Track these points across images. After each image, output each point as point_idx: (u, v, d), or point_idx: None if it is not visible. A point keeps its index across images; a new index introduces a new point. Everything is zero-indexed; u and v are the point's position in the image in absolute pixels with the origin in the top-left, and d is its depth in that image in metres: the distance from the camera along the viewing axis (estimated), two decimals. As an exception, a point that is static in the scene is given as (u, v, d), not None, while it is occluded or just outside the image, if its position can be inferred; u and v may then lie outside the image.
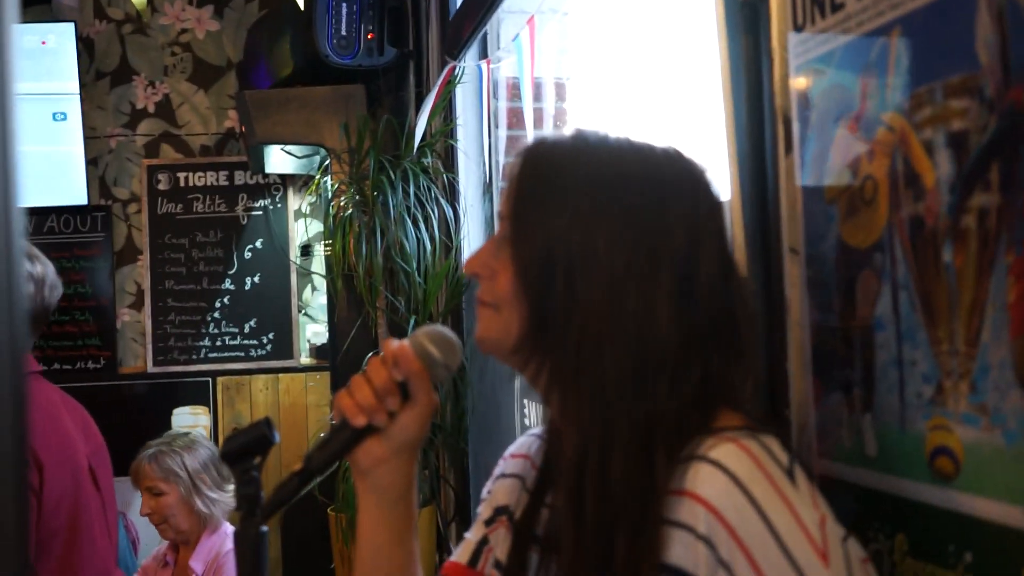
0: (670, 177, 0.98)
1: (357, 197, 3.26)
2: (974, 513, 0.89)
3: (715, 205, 0.99)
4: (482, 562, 1.15)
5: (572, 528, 0.94)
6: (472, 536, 1.18)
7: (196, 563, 2.80)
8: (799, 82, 1.15)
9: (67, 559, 1.92)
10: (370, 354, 3.10)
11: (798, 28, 1.14)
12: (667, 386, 0.92)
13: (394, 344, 1.02)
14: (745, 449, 0.89)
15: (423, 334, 1.04)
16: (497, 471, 1.19)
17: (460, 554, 1.17)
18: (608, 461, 0.92)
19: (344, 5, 3.39)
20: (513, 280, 0.98)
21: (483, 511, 1.18)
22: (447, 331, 1.05)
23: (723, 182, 1.31)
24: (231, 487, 2.90)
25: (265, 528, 1.15)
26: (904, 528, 0.99)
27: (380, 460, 1.03)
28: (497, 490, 1.17)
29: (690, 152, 1.01)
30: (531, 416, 2.43)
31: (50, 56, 4.43)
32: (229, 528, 2.89)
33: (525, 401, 2.49)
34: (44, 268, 2.05)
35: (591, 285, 0.93)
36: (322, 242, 4.45)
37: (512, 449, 1.19)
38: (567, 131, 1.03)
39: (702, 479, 0.89)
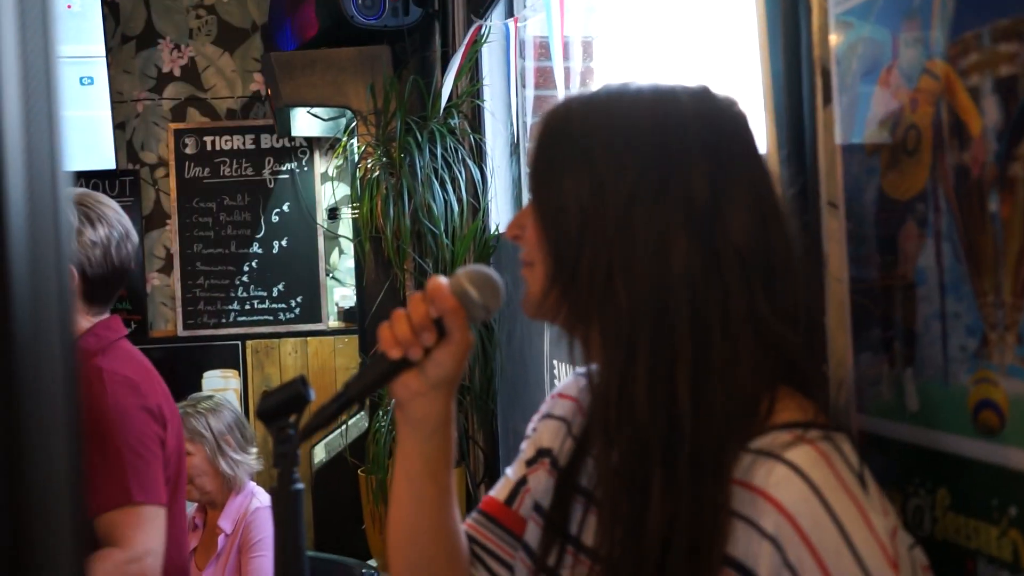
0: (690, 111, 0.96)
1: (384, 159, 3.26)
2: (1020, 467, 0.87)
3: (744, 136, 0.99)
4: (518, 502, 1.15)
5: (605, 476, 0.95)
6: (512, 475, 1.18)
7: (225, 523, 2.84)
8: (839, 32, 1.13)
9: (171, 510, 2.03)
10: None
11: (838, -25, 1.11)
12: (686, 316, 0.92)
13: (436, 281, 1.03)
14: (823, 455, 0.88)
15: (464, 273, 1.04)
16: (544, 409, 1.19)
17: (499, 491, 1.18)
18: (632, 396, 0.92)
19: (369, -36, 3.37)
20: (536, 232, 1.00)
21: (526, 450, 1.18)
22: (490, 271, 1.05)
23: (759, 136, 1.29)
24: (254, 449, 2.93)
25: (300, 486, 1.16)
26: (946, 483, 0.98)
27: (416, 393, 1.04)
28: (542, 430, 1.17)
29: (722, 90, 1.01)
30: (560, 376, 2.43)
31: (76, 20, 4.43)
32: (255, 487, 2.92)
33: (554, 362, 2.49)
34: (108, 230, 2.01)
35: (600, 217, 0.94)
36: (349, 205, 4.45)
37: (561, 388, 1.19)
38: (583, 88, 1.05)
39: (776, 481, 0.87)
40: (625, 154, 0.95)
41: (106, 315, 2.05)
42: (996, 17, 0.87)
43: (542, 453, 1.15)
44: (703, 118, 0.97)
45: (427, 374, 1.03)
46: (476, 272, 1.04)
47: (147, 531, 1.88)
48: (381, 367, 1.04)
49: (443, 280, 1.03)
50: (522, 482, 1.16)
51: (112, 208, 2.04)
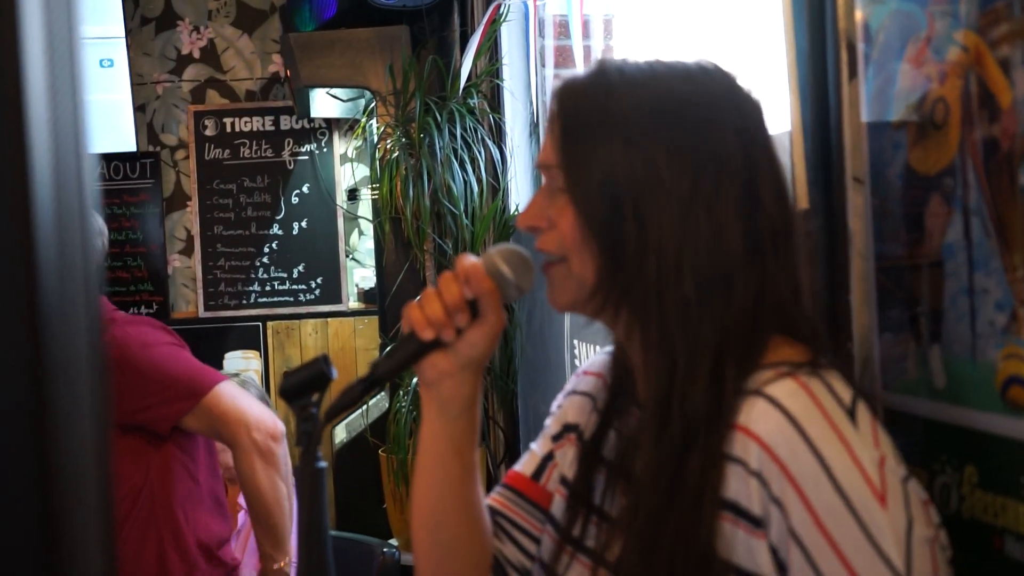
0: (717, 89, 0.97)
1: (403, 140, 3.25)
2: (1049, 443, 0.86)
3: (760, 110, 0.98)
4: (546, 476, 1.15)
5: (652, 452, 0.94)
6: (538, 449, 1.18)
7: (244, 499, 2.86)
8: (864, 5, 1.11)
9: (210, 462, 2.31)
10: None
11: (864, -53, 1.10)
12: (739, 300, 0.92)
13: (468, 260, 1.01)
14: (803, 386, 0.88)
15: (496, 252, 1.02)
16: (569, 387, 1.19)
17: (525, 465, 1.17)
18: (693, 382, 0.92)
19: (387, -56, 3.35)
20: (577, 223, 0.96)
21: (552, 426, 1.18)
22: (522, 250, 1.03)
23: (783, 111, 1.28)
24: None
25: (323, 464, 1.16)
26: (974, 460, 0.97)
27: (445, 374, 1.02)
28: (568, 406, 1.16)
29: (720, 62, 1.00)
30: (581, 356, 2.42)
31: (95, 2, 4.44)
32: None
33: (575, 342, 2.49)
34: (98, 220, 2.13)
35: (661, 211, 0.92)
36: (368, 186, 4.45)
37: (586, 366, 1.18)
38: (593, 64, 1.01)
39: (756, 415, 0.88)
40: (672, 132, 0.93)
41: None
42: (1028, -13, 0.85)
43: (568, 428, 1.15)
44: (733, 97, 0.97)
45: (459, 355, 1.01)
46: (510, 251, 1.02)
47: (241, 402, 2.14)
48: (411, 347, 1.02)
49: (474, 259, 1.01)
50: (549, 457, 1.15)
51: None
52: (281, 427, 2.19)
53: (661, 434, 0.93)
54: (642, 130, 0.93)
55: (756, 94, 0.99)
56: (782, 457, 0.85)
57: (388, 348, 1.05)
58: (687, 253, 0.92)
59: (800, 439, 0.85)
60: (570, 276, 0.98)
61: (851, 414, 0.87)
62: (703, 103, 0.95)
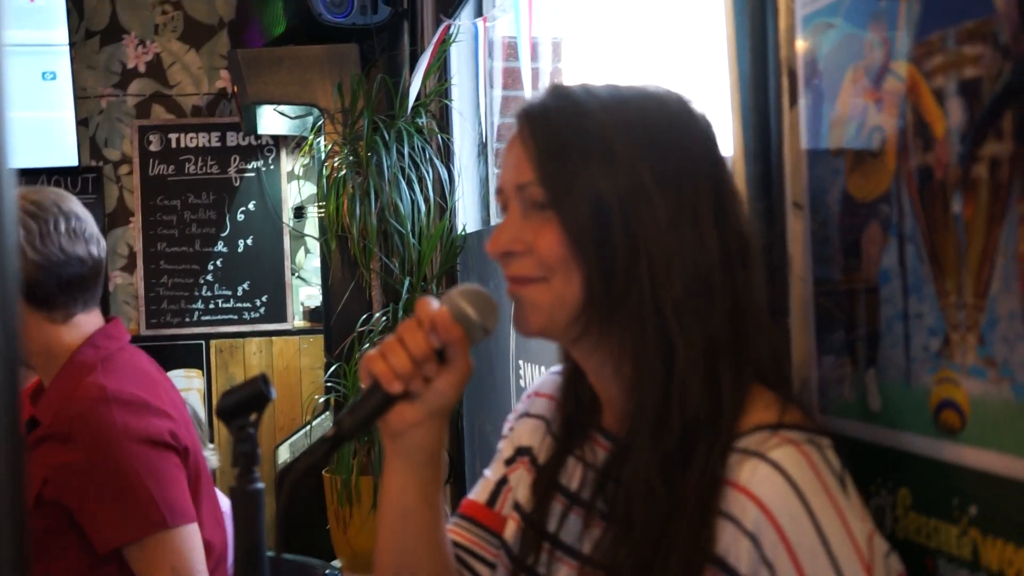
0: (679, 112, 0.98)
1: (351, 158, 3.24)
2: (980, 467, 0.88)
3: (714, 133, 1.00)
4: (500, 502, 1.13)
5: (643, 483, 0.92)
6: (491, 475, 1.16)
7: None
8: (805, 33, 1.13)
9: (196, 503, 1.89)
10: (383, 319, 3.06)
11: (805, -23, 1.11)
12: (719, 306, 0.94)
13: (431, 306, 0.96)
14: (805, 456, 0.88)
15: (459, 295, 0.98)
16: (521, 408, 1.17)
17: (479, 493, 1.16)
18: (692, 384, 0.92)
19: (337, -38, 3.35)
20: (562, 241, 0.94)
21: (504, 449, 1.16)
22: (483, 290, 1.00)
23: (726, 136, 1.29)
24: (212, 446, 2.90)
25: (261, 485, 1.14)
26: (907, 482, 0.98)
27: (412, 424, 0.98)
28: (520, 429, 1.15)
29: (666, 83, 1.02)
30: (526, 377, 2.42)
31: (39, 13, 4.37)
32: None
33: (520, 362, 2.48)
34: (28, 220, 1.80)
35: (649, 224, 0.92)
36: (315, 204, 4.42)
37: (536, 387, 1.17)
38: (553, 88, 1.01)
39: (759, 478, 0.88)
40: (654, 150, 0.95)
41: (81, 316, 1.85)
42: (961, 19, 0.87)
43: (521, 451, 1.14)
44: (693, 118, 0.99)
45: (426, 404, 0.97)
46: (473, 292, 0.98)
47: (190, 554, 1.76)
48: (376, 401, 0.97)
49: (436, 304, 0.97)
50: (503, 481, 1.14)
51: (48, 196, 1.84)
52: None
53: (653, 457, 0.92)
54: (624, 148, 0.94)
55: (709, 117, 1.01)
56: (783, 525, 0.86)
57: (351, 402, 1.00)
58: (675, 262, 0.93)
59: (803, 510, 0.86)
60: (549, 294, 0.95)
61: (843, 483, 0.88)
62: (672, 123, 0.97)
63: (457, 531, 1.13)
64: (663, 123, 0.97)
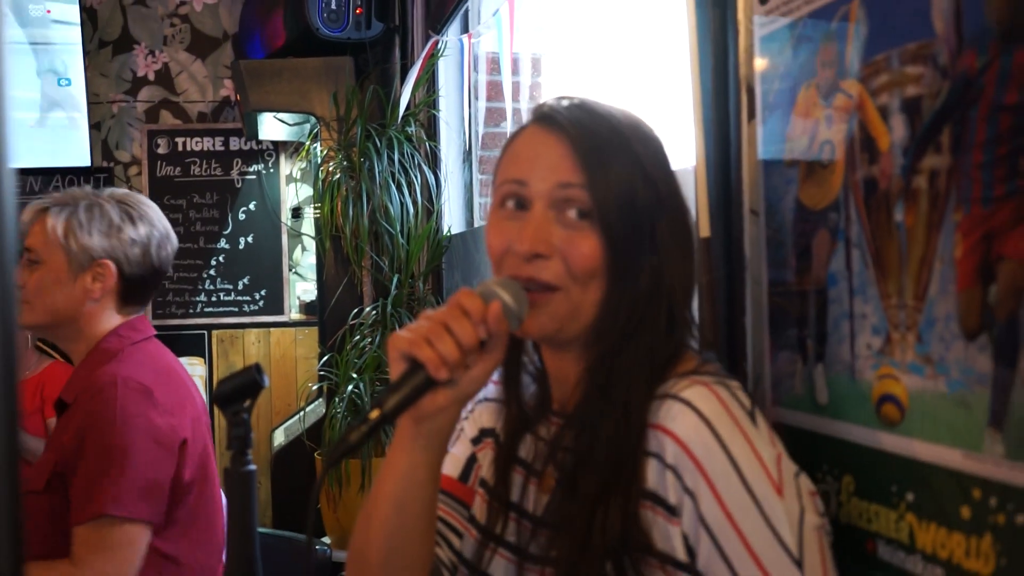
0: (632, 113, 1.02)
1: (345, 163, 3.22)
2: (917, 456, 0.88)
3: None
4: (472, 478, 1.13)
5: (589, 446, 0.96)
6: (458, 452, 1.15)
7: None
8: (763, 53, 1.13)
9: (197, 508, 1.80)
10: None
11: (763, 0, 1.11)
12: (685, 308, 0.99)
13: (477, 299, 0.92)
14: (713, 391, 0.91)
15: (499, 287, 0.93)
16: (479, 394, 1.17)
17: (447, 467, 1.13)
18: (634, 372, 0.95)
19: (334, -20, 3.33)
20: (599, 254, 0.93)
21: (468, 429, 1.16)
22: (514, 281, 0.95)
23: (689, 147, 1.29)
24: None
25: (253, 466, 1.13)
26: (851, 470, 0.99)
27: (442, 408, 0.93)
28: (480, 412, 1.15)
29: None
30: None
31: (55, 24, 4.33)
32: None
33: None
34: (150, 229, 1.86)
35: (667, 240, 0.97)
36: (311, 205, 4.40)
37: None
38: (567, 97, 1.00)
39: (673, 415, 0.91)
40: (663, 168, 0.99)
41: (138, 317, 1.89)
42: (904, 42, 0.87)
43: (485, 432, 1.14)
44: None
45: (460, 390, 0.93)
46: (511, 284, 0.94)
47: (107, 556, 1.64)
48: (417, 384, 0.90)
49: (476, 295, 0.92)
50: (473, 459, 1.14)
51: (155, 209, 1.90)
52: None
53: (598, 426, 0.95)
54: (650, 163, 0.97)
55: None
56: (696, 453, 0.88)
57: (390, 384, 0.94)
58: (681, 278, 0.98)
59: (712, 437, 0.88)
60: (568, 307, 0.95)
61: (752, 417, 0.91)
62: (658, 140, 1.02)
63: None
64: (658, 141, 1.01)
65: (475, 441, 1.15)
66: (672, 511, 0.90)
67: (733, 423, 0.89)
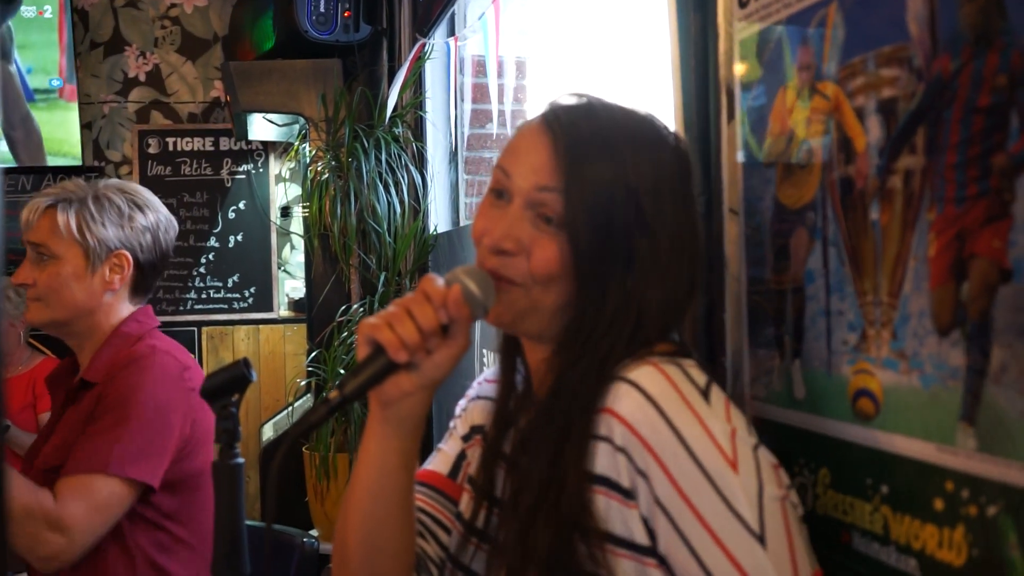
0: (648, 121, 0.97)
1: (333, 163, 3.21)
2: (891, 449, 0.88)
3: (689, 165, 1.01)
4: (461, 475, 1.12)
5: (538, 433, 0.94)
6: (448, 449, 1.14)
7: None
8: (742, 56, 1.13)
9: (206, 495, 1.80)
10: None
11: (743, 4, 1.11)
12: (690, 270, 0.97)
13: (439, 284, 0.92)
14: (660, 371, 0.89)
15: (464, 274, 0.93)
16: (472, 392, 1.17)
17: (438, 464, 1.14)
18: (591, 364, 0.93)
19: (323, -16, 3.32)
20: (560, 259, 0.92)
21: (460, 427, 1.15)
22: (482, 270, 0.95)
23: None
24: None
25: (241, 460, 1.12)
26: (827, 463, 0.99)
27: (406, 393, 0.93)
28: (472, 410, 1.14)
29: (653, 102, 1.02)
30: (488, 363, 2.41)
31: (48, 26, 4.30)
32: None
33: (484, 351, 2.47)
34: (156, 215, 1.85)
35: (647, 257, 0.93)
36: (300, 204, 4.38)
37: (487, 374, 1.16)
38: (576, 95, 0.98)
39: (618, 397, 0.88)
40: (665, 184, 0.94)
41: (145, 304, 1.89)
42: (880, 45, 0.87)
43: (475, 430, 1.12)
44: (653, 125, 0.98)
45: (423, 375, 0.92)
46: (477, 272, 0.94)
47: (88, 506, 1.61)
48: (378, 367, 0.91)
49: (442, 281, 0.93)
50: (462, 456, 1.13)
51: (153, 195, 1.88)
52: (76, 558, 1.62)
53: (550, 414, 0.93)
54: (643, 181, 0.92)
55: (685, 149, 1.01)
56: (643, 434, 0.86)
57: (353, 368, 0.93)
58: (658, 293, 0.94)
59: (658, 416, 0.86)
60: (527, 303, 0.94)
61: (704, 394, 0.88)
62: (645, 128, 0.96)
63: (421, 498, 1.11)
64: (669, 160, 0.96)
65: (466, 438, 1.14)
66: (627, 494, 0.87)
67: (680, 400, 0.86)
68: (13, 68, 4.30)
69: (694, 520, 0.83)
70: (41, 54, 4.32)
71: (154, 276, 1.89)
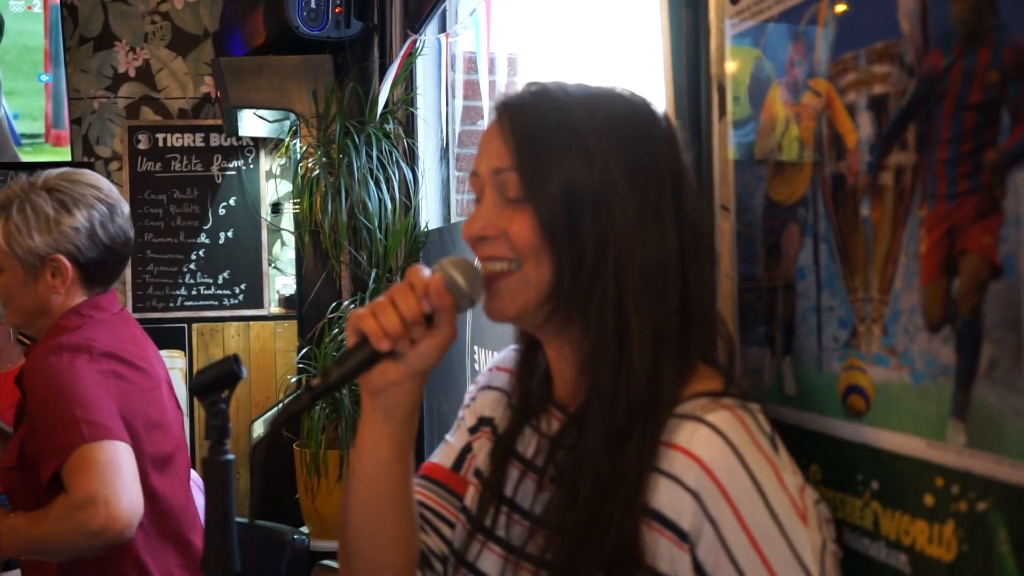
0: (645, 112, 0.96)
1: (324, 159, 3.20)
2: (881, 445, 0.88)
3: (675, 133, 0.98)
4: (465, 467, 1.11)
5: (591, 451, 0.91)
6: (455, 441, 1.13)
7: None
8: (734, 52, 1.13)
9: (179, 474, 1.85)
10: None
11: (734, 1, 1.11)
12: (671, 298, 0.92)
13: (424, 273, 0.93)
14: (738, 417, 0.87)
15: (450, 264, 0.94)
16: (482, 381, 1.15)
17: (442, 457, 1.13)
18: (639, 372, 0.90)
19: (314, -21, 3.31)
20: (534, 229, 0.91)
21: (467, 418, 1.13)
22: (470, 261, 0.96)
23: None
24: None
25: (231, 456, 1.11)
26: (818, 459, 0.99)
27: (393, 382, 0.94)
28: (481, 400, 1.13)
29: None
30: (480, 361, 2.41)
31: (36, 20, 4.27)
32: None
33: (475, 347, 2.47)
34: (88, 211, 1.80)
35: (617, 217, 0.90)
36: (291, 201, 4.36)
37: (497, 361, 1.15)
38: (530, 84, 0.98)
39: (698, 439, 0.86)
40: (626, 146, 0.92)
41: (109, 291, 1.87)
42: (872, 41, 0.87)
43: (483, 421, 1.11)
44: (657, 118, 0.96)
45: (409, 365, 0.93)
46: (462, 262, 0.95)
47: (92, 473, 1.60)
48: (363, 356, 0.92)
49: (428, 271, 0.93)
50: (467, 449, 1.12)
51: (91, 185, 1.83)
52: (134, 516, 1.62)
53: (602, 430, 0.90)
54: (597, 143, 0.91)
55: (668, 119, 0.99)
56: (723, 481, 0.84)
57: (338, 355, 0.94)
58: (638, 255, 0.90)
59: (740, 466, 0.85)
60: (525, 283, 0.93)
61: (773, 444, 0.88)
62: (640, 123, 0.95)
63: (422, 492, 1.10)
64: (631, 122, 0.94)
65: (472, 430, 1.12)
66: (683, 536, 0.86)
67: (759, 451, 0.86)
68: (1, 113, 4.28)
69: (762, 568, 0.83)
70: (28, 101, 4.31)
71: (106, 267, 1.85)
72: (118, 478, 1.62)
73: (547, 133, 0.92)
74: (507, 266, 0.94)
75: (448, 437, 1.15)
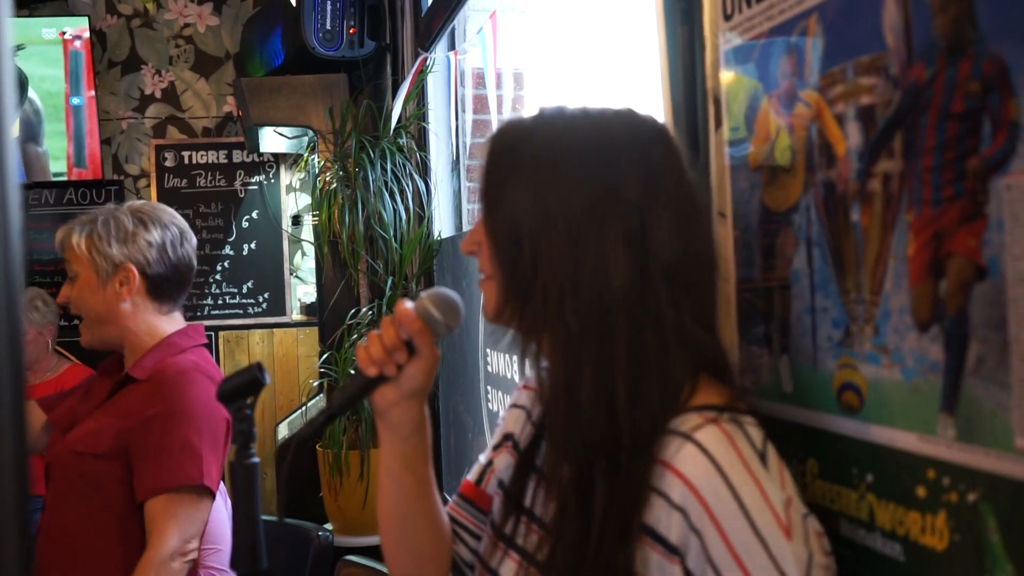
0: (621, 134, 0.93)
1: (341, 173, 3.21)
2: (875, 440, 0.88)
3: (671, 154, 0.94)
4: (485, 481, 1.15)
5: (555, 472, 0.93)
6: (483, 458, 1.18)
7: None
8: (728, 65, 1.13)
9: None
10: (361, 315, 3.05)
11: (728, 17, 1.11)
12: (624, 330, 0.89)
13: (402, 306, 1.02)
14: (727, 435, 0.86)
15: (426, 296, 1.03)
16: (511, 400, 1.18)
17: (472, 474, 1.18)
18: (577, 405, 0.90)
19: (329, 2, 3.32)
20: (490, 252, 0.97)
21: (495, 437, 1.17)
22: (449, 293, 1.03)
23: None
24: None
25: (256, 459, 1.12)
26: (815, 454, 0.99)
27: (392, 403, 1.03)
28: (507, 418, 1.16)
29: (644, 110, 0.98)
30: (493, 365, 2.41)
31: (57, 65, 4.31)
32: None
33: (487, 351, 2.47)
34: (162, 231, 1.92)
35: (551, 243, 0.90)
36: (310, 213, 4.38)
37: (525, 380, 1.17)
38: (530, 112, 0.99)
39: (683, 457, 0.86)
40: (567, 176, 0.91)
41: (177, 312, 2.00)
42: (858, 54, 0.87)
43: (506, 437, 1.14)
44: (631, 136, 0.94)
45: (401, 387, 1.02)
46: (439, 295, 1.03)
47: (198, 521, 1.79)
48: (359, 383, 1.03)
49: (409, 304, 1.02)
50: (489, 464, 1.16)
51: (168, 213, 1.97)
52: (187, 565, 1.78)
53: (558, 452, 0.92)
54: (543, 171, 0.92)
55: (664, 132, 0.96)
56: (707, 498, 0.84)
57: (341, 384, 1.04)
58: (574, 281, 0.89)
59: (723, 483, 0.84)
60: (489, 290, 0.99)
61: (763, 457, 0.86)
62: (604, 146, 0.92)
63: (455, 508, 1.16)
64: (591, 147, 0.92)
65: (495, 447, 1.15)
66: (672, 550, 0.86)
67: (743, 467, 0.85)
68: (42, 149, 4.32)
69: None
70: (51, 143, 4.34)
71: (171, 285, 1.97)
72: (194, 531, 1.80)
73: (505, 163, 0.96)
74: (485, 275, 1.00)
75: (480, 456, 1.19)
